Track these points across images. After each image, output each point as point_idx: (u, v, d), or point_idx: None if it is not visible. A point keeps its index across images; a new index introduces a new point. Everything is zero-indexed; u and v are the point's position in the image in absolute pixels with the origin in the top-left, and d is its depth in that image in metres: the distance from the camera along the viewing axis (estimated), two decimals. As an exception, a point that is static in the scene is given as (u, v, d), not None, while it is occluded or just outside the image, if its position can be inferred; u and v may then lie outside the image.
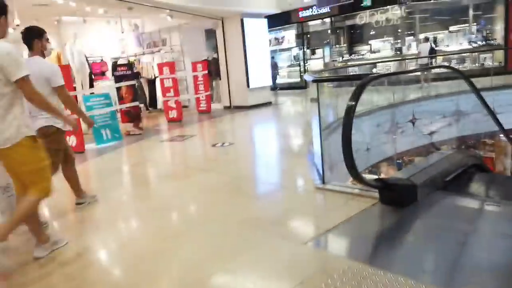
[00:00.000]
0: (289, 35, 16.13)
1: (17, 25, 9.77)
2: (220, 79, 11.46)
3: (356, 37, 15.37)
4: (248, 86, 10.76)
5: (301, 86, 14.99)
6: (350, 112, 2.91)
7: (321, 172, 3.74)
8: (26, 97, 2.53)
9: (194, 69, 10.62)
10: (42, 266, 2.69)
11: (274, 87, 12.05)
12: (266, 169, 4.93)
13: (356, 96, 2.98)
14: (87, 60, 9.84)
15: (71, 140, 6.63)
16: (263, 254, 2.56)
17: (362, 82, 3.10)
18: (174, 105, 9.49)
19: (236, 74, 10.93)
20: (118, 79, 8.29)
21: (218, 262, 2.51)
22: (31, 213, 2.63)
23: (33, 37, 3.30)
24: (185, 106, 12.11)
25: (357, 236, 2.73)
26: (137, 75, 11.61)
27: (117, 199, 4.08)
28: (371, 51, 14.29)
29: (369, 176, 4.28)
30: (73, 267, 2.66)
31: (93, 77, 10.15)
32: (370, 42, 14.58)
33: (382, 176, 6.67)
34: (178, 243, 2.84)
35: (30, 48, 3.32)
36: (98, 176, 5.41)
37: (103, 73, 10.98)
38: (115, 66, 9.31)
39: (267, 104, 11.22)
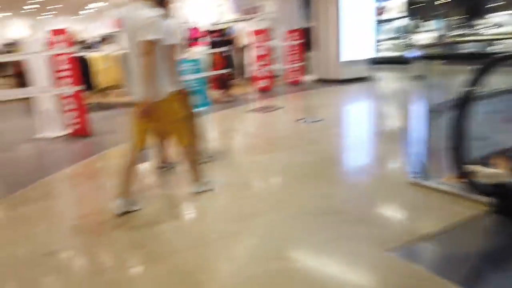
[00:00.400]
0: (394, 4, 14.66)
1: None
2: (314, 49, 10.90)
3: (474, 8, 13.37)
4: (339, 59, 10.08)
5: (404, 61, 13.66)
6: (465, 101, 2.34)
7: (419, 164, 3.20)
8: (140, 55, 2.69)
9: (288, 38, 10.21)
10: (113, 228, 2.71)
11: (373, 61, 11.11)
12: (355, 153, 4.47)
13: (475, 81, 2.38)
14: (183, 25, 10.00)
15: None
16: (336, 257, 2.23)
17: (486, 64, 2.47)
18: (264, 75, 9.27)
19: (330, 45, 10.27)
20: (211, 45, 8.28)
21: (281, 258, 2.25)
22: (198, 154, 3.23)
23: None
24: (276, 76, 11.85)
25: (459, 252, 2.23)
26: (230, 42, 11.58)
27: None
28: (492, 26, 12.33)
29: (479, 169, 3.57)
30: (141, 233, 2.63)
31: (187, 42, 10.32)
32: (491, 14, 12.57)
33: (496, 170, 5.71)
34: (242, 228, 2.63)
35: (158, 6, 3.17)
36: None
37: (197, 39, 11.15)
38: (209, 32, 9.32)
39: (363, 79, 10.41)
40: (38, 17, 24.26)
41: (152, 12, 2.72)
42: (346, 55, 10.07)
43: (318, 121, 5.91)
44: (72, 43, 5.28)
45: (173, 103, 2.94)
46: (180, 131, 3.05)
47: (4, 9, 20.15)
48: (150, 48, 2.66)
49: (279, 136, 5.33)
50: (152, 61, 2.68)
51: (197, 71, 7.45)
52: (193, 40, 11.71)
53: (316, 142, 4.84)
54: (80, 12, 21.16)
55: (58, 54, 5.27)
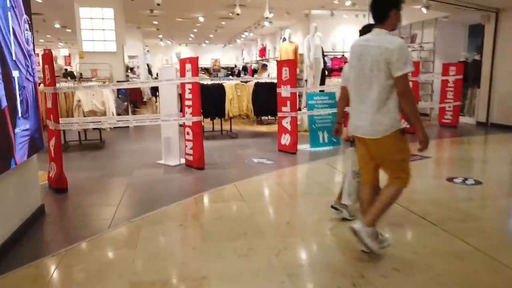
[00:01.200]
0: None
1: (267, 18, 10.27)
2: (479, 87, 9.02)
3: None
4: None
5: None
6: None
7: None
8: (400, 93, 2.51)
9: (445, 72, 8.65)
10: None
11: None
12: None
13: None
14: (323, 55, 9.40)
15: (285, 139, 6.25)
16: None
17: None
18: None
19: (505, 81, 8.32)
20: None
21: None
22: (394, 202, 2.71)
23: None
24: (425, 115, 10.24)
25: None
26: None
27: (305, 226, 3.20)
28: None
29: None
30: None
31: (326, 73, 9.69)
32: None
33: None
34: None
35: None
36: (297, 185, 4.72)
37: (341, 69, 10.43)
38: (350, 62, 8.52)
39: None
40: (201, 44, 27.09)
41: (400, 41, 2.47)
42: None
43: (476, 183, 4.47)
44: (197, 72, 5.10)
45: (395, 140, 2.60)
46: (397, 171, 2.67)
47: (168, 37, 22.95)
48: (407, 80, 2.48)
49: (421, 200, 4.03)
50: (412, 95, 2.52)
51: (332, 105, 6.69)
52: (336, 70, 11.05)
53: (473, 217, 3.51)
54: (238, 40, 22.75)
55: (185, 83, 5.18)
